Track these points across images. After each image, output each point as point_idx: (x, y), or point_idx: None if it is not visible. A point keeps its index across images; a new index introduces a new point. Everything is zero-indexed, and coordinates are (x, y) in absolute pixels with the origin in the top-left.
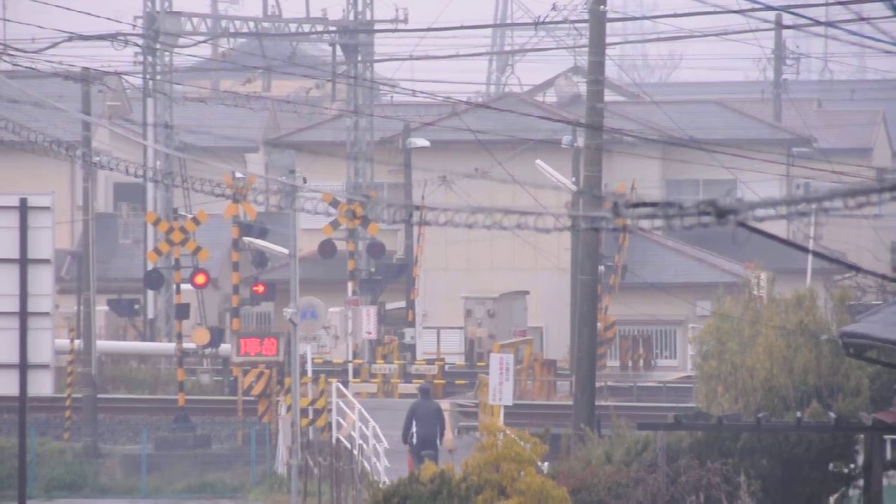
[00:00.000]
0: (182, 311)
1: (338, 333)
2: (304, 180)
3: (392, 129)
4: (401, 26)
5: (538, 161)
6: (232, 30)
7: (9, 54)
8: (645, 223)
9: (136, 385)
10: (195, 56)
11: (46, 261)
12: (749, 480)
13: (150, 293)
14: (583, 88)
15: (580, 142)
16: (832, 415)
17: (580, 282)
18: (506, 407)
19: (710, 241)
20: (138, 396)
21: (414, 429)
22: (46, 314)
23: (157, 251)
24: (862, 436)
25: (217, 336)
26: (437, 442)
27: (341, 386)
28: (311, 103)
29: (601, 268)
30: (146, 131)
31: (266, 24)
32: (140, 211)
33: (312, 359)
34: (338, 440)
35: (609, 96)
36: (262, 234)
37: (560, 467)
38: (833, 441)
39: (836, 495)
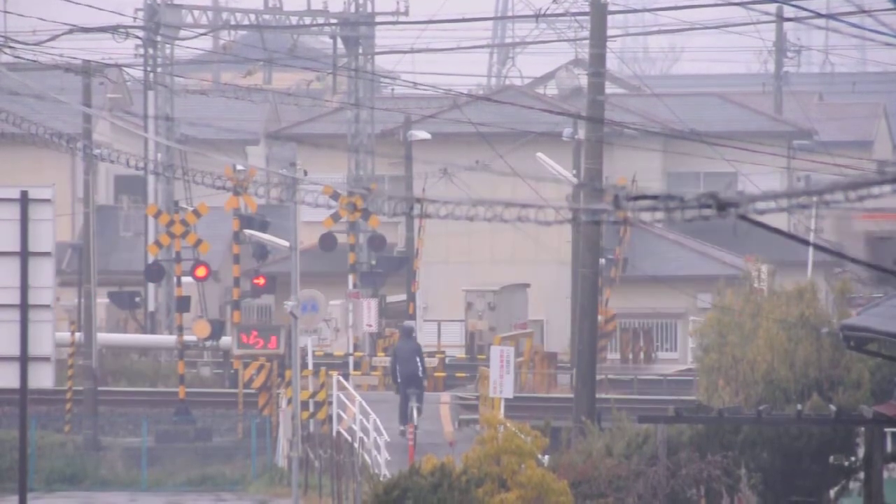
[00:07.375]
0: (183, 304)
1: (338, 326)
2: (305, 173)
3: (393, 121)
4: (402, 19)
5: (539, 154)
6: (233, 22)
7: (10, 46)
8: (646, 216)
9: (136, 378)
10: (196, 48)
11: (47, 253)
12: (750, 473)
13: (151, 286)
14: (584, 81)
15: (581, 134)
16: (833, 407)
17: (581, 275)
18: (506, 400)
19: (711, 234)
20: (139, 389)
21: (398, 369)
22: (47, 307)
23: (158, 244)
24: (862, 428)
25: (218, 329)
26: (420, 376)
27: (342, 379)
28: (311, 96)
29: (602, 260)
30: (147, 123)
31: (267, 17)
32: (141, 203)
33: (313, 351)
34: (338, 433)
35: (610, 89)
36: (263, 226)
37: (560, 460)
38: (834, 434)
39: (836, 488)
